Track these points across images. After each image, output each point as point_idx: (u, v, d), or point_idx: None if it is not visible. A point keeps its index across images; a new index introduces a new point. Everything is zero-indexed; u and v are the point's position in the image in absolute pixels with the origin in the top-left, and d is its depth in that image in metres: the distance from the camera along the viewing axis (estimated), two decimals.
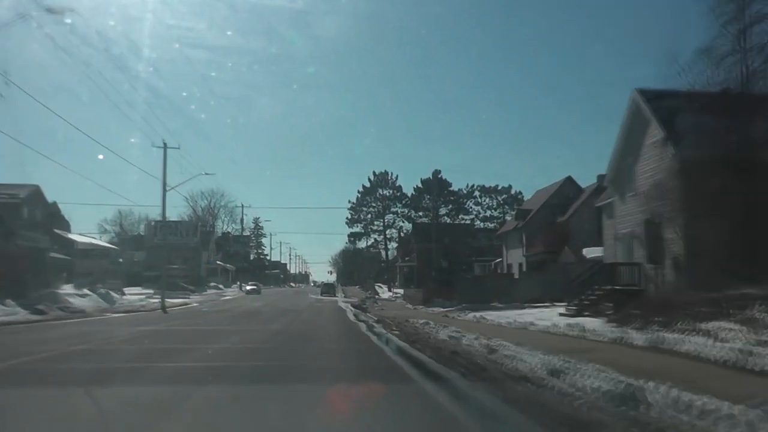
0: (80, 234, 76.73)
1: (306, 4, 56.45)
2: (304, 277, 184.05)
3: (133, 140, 78.19)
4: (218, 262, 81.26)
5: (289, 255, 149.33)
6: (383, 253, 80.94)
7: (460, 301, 30.72)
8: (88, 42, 57.60)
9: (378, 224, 78.07)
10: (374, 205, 76.37)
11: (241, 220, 78.08)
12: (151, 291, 56.75)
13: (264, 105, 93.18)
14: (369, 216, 77.47)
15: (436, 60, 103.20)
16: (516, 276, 37.51)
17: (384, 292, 61.19)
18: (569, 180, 41.48)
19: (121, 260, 68.56)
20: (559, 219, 37.81)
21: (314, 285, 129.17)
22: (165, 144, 41.21)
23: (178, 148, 42.11)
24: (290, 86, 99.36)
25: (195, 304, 42.19)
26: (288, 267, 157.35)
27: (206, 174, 39.59)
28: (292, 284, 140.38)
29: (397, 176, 76.11)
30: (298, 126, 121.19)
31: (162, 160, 41.09)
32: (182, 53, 68.18)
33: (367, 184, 77.01)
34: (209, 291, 61.93)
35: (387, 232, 77.97)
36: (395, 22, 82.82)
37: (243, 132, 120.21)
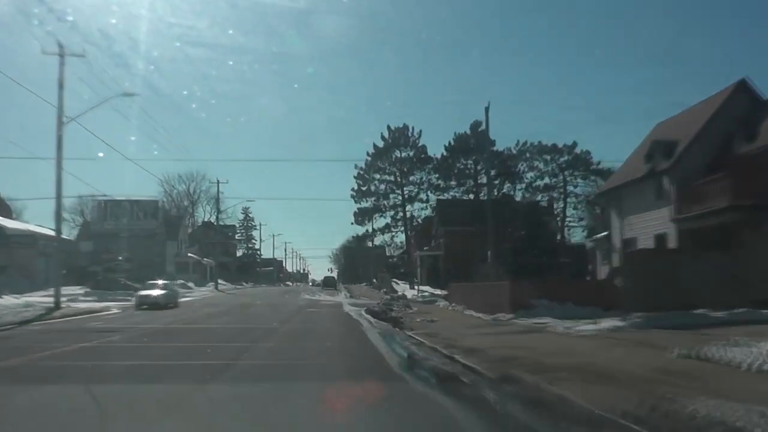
0: (39, 225, 61.16)
1: (308, 3, 55.06)
2: (303, 276, 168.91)
3: (133, 138, 68.49)
4: (190, 255, 64.83)
5: (285, 250, 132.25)
6: (403, 236, 60.29)
7: (627, 306, 14.33)
8: (89, 40, 56.89)
9: (395, 197, 57.39)
10: (390, 170, 55.59)
11: (216, 199, 61.36)
12: (82, 291, 40.91)
13: (265, 104, 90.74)
14: (383, 187, 56.90)
15: (435, 60, 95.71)
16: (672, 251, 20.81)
17: (405, 290, 44.87)
18: (742, 87, 23.97)
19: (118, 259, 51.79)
20: (744, 149, 20.97)
21: (312, 284, 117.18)
22: (61, 47, 25.05)
23: (83, 56, 25.80)
24: (291, 85, 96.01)
25: (115, 311, 26.04)
26: (284, 264, 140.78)
27: (126, 95, 27.46)
28: (288, 283, 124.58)
29: (420, 132, 54.98)
30: (299, 125, 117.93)
31: (58, 72, 24.99)
32: (183, 51, 66.01)
33: (380, 143, 55.84)
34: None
35: (407, 208, 57.74)
36: (397, 23, 77.72)
37: (244, 131, 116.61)
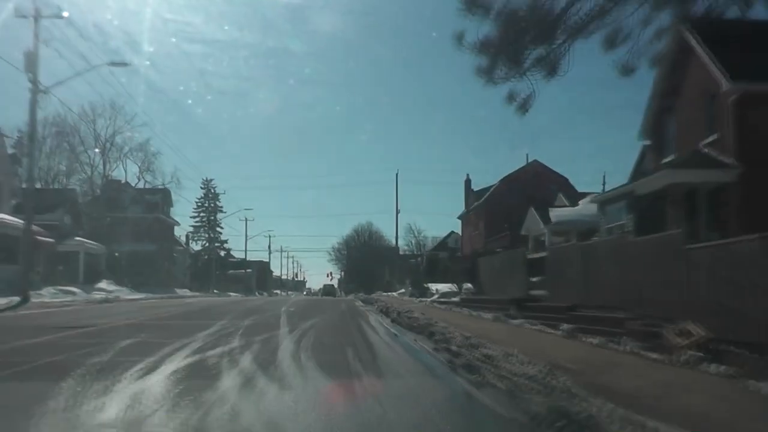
0: None
1: None
2: (298, 285, 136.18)
3: (129, 134, 55.13)
4: (7, 219, 28.20)
5: (269, 246, 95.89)
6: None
7: None
8: (85, 35, 48.52)
9: None
10: None
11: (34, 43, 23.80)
12: None
13: (261, 99, 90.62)
14: None
15: (433, 55, 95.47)
16: None
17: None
18: None
19: None
20: None
21: (307, 294, 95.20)
22: None
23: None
24: (287, 81, 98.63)
25: None
26: (270, 266, 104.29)
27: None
28: (276, 291, 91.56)
29: None
30: (295, 120, 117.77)
31: None
32: (179, 47, 63.51)
33: None
34: None
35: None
36: (392, 17, 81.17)
37: (240, 126, 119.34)
